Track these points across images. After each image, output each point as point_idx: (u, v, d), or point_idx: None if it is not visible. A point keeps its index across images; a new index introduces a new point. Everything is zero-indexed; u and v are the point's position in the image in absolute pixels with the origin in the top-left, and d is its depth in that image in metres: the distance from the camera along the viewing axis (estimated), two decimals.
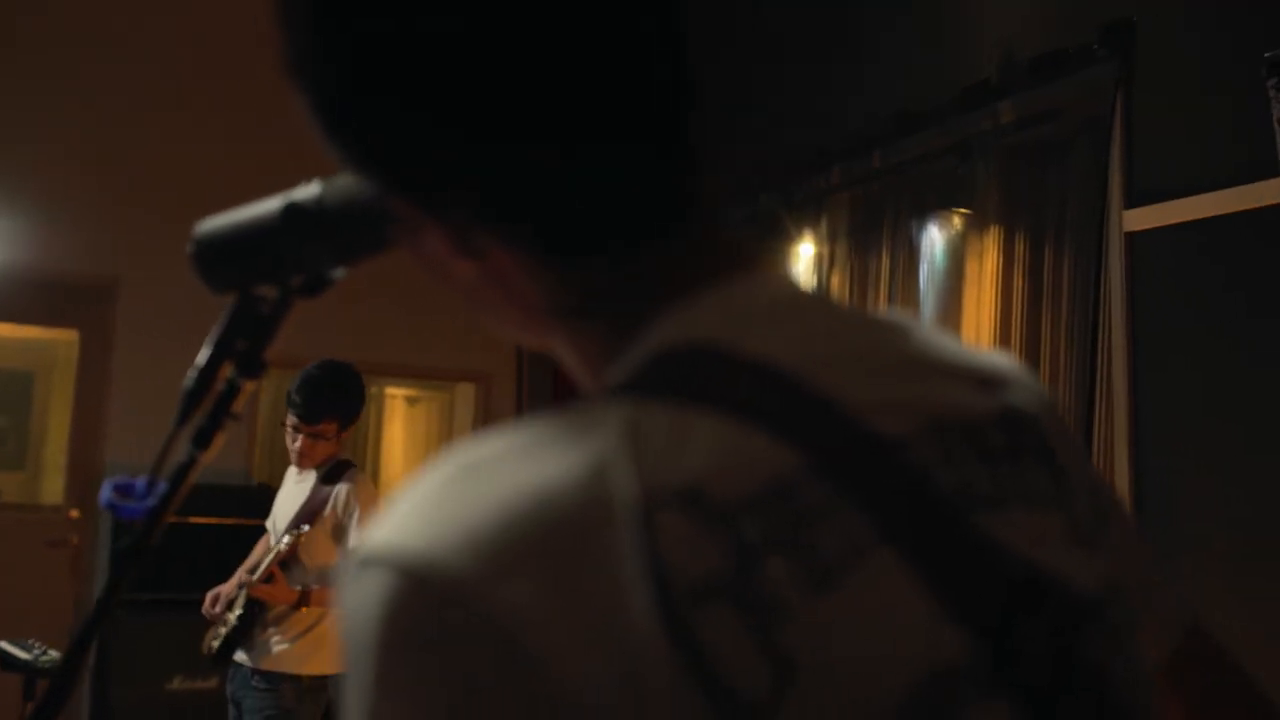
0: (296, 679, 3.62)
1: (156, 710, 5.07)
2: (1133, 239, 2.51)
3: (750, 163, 3.93)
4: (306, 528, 3.80)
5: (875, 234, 3.41)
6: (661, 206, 0.61)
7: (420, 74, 0.57)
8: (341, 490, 3.62)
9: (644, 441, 0.52)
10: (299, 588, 3.61)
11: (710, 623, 0.49)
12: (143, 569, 0.96)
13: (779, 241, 3.84)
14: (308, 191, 0.85)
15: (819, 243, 3.68)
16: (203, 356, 0.89)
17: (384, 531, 0.51)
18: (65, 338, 5.88)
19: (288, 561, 3.67)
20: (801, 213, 3.73)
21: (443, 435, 7.53)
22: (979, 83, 3.01)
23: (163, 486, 0.91)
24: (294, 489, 3.80)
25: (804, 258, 3.77)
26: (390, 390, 8.37)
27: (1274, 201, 2.20)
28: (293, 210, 0.84)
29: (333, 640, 3.75)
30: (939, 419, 0.58)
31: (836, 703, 0.50)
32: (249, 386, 0.89)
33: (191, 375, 0.89)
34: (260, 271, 0.88)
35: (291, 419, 3.65)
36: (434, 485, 0.53)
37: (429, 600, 0.48)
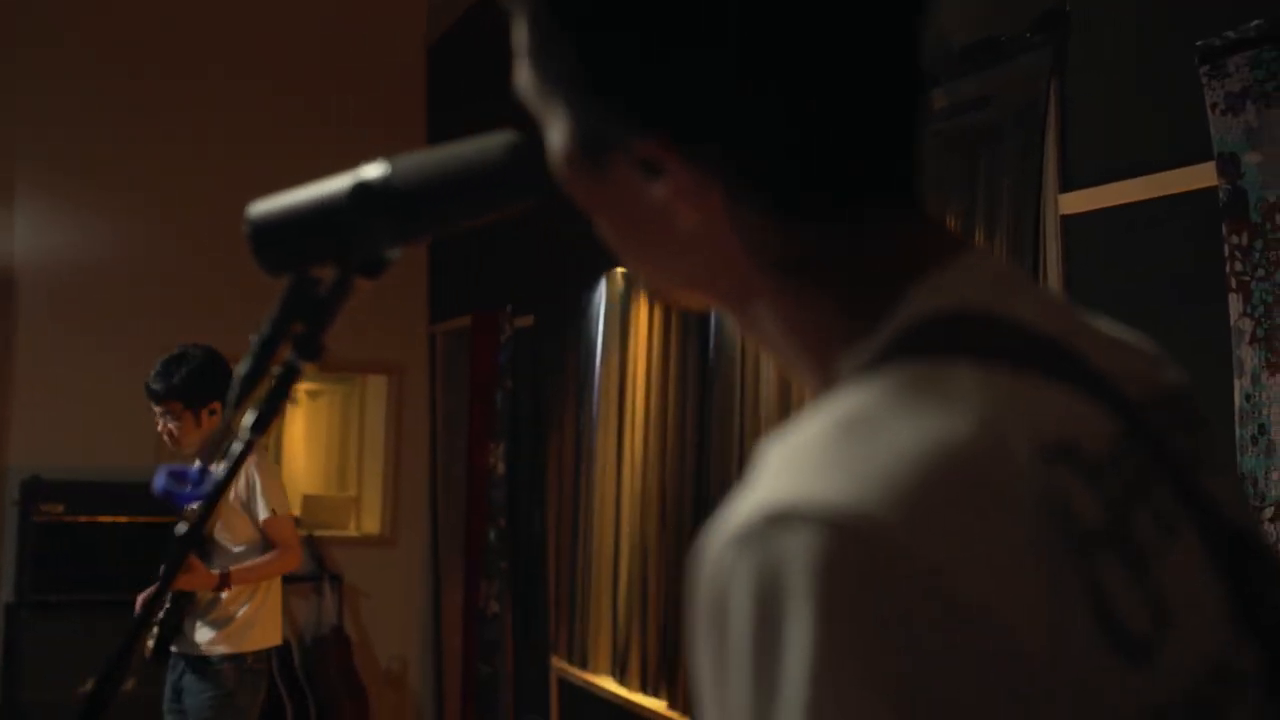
0: (237, 658, 3.62)
1: (69, 714, 4.92)
2: (1068, 222, 2.59)
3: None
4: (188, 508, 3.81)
5: None
6: (902, 172, 0.63)
7: (709, 13, 0.58)
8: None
9: (1012, 399, 0.54)
10: (218, 571, 3.63)
11: (1104, 569, 0.52)
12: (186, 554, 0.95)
13: None
14: (375, 171, 0.84)
15: None
16: (258, 340, 0.88)
17: (787, 487, 0.51)
18: None
19: (206, 546, 3.69)
20: None
21: (350, 430, 7.41)
22: None
23: (214, 475, 0.90)
24: None
25: None
26: None
27: (1208, 185, 2.28)
28: (362, 190, 0.84)
29: (264, 616, 3.74)
30: (1152, 389, 0.62)
31: (1196, 644, 0.53)
32: (309, 370, 0.88)
33: (246, 359, 0.88)
34: (320, 252, 0.87)
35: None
36: (817, 442, 0.53)
37: (868, 554, 0.48)
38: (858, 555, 0.48)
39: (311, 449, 8.14)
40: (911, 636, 0.48)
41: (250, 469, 3.73)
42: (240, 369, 0.88)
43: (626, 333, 4.51)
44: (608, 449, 4.61)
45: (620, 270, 4.59)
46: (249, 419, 0.88)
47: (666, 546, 4.07)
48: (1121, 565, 0.52)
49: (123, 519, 5.24)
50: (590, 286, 4.80)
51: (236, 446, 0.89)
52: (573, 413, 4.93)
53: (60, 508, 5.20)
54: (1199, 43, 2.28)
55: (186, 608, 3.69)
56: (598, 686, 4.53)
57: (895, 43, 0.62)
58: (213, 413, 3.77)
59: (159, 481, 0.88)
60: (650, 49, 0.59)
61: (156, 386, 3.74)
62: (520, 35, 0.65)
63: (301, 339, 0.88)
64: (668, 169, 0.61)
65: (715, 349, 3.86)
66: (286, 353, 0.88)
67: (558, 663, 4.93)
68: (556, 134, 0.66)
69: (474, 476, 5.83)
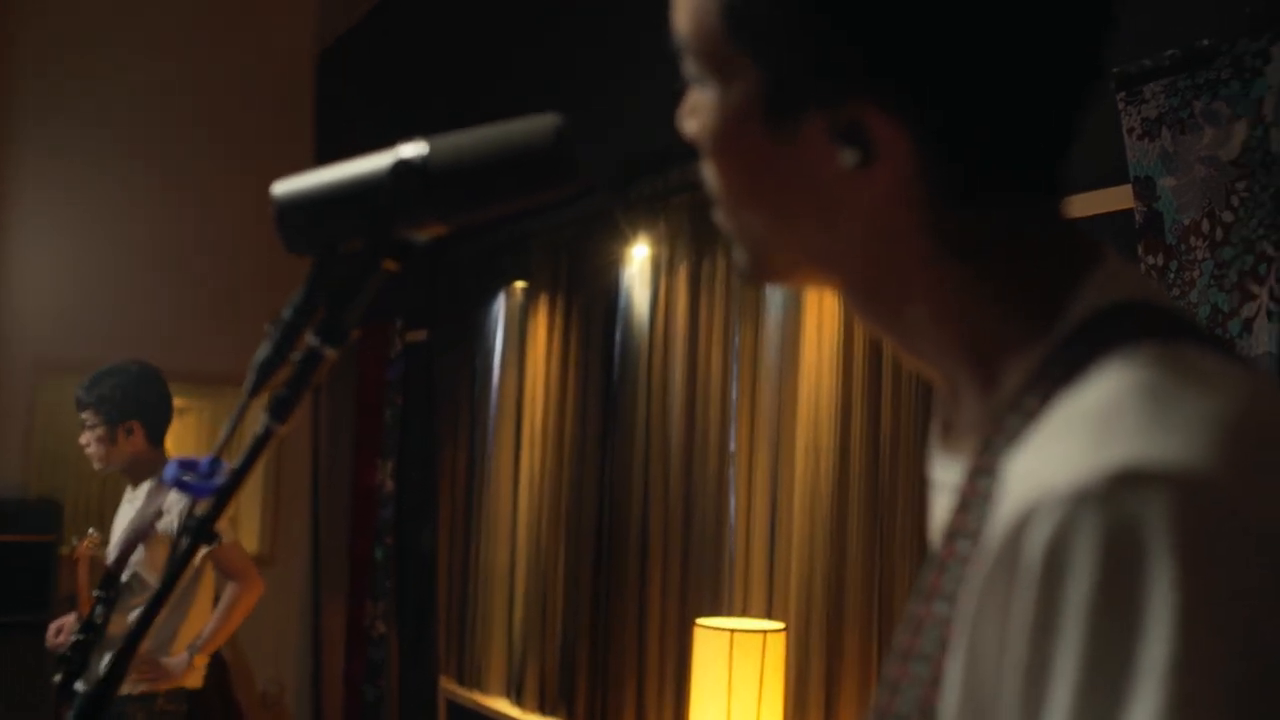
0: (146, 699, 3.42)
1: None
2: None
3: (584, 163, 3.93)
4: (92, 531, 3.64)
5: (714, 237, 3.45)
6: (1065, 164, 0.64)
7: None
8: (173, 496, 3.43)
9: (1247, 372, 0.58)
10: (186, 653, 3.46)
11: None
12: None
13: (613, 243, 3.85)
14: (416, 149, 0.81)
15: (656, 245, 3.71)
16: (279, 324, 0.83)
17: (1124, 449, 0.50)
18: None
19: (129, 579, 3.47)
20: (637, 214, 3.75)
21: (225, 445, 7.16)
22: None
23: (226, 465, 0.85)
24: (127, 507, 3.62)
25: (638, 260, 3.80)
26: None
27: (1124, 207, 2.36)
28: (403, 168, 0.80)
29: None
30: None
31: None
32: (331, 355, 0.84)
33: (265, 344, 0.83)
34: (350, 233, 0.83)
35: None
36: (1127, 406, 0.53)
37: (1225, 514, 0.49)
38: (1217, 516, 0.49)
39: None
40: (1267, 595, 0.49)
41: (185, 500, 3.50)
42: (259, 354, 0.83)
43: (525, 349, 4.47)
44: (503, 466, 4.56)
45: (520, 285, 4.55)
46: (269, 405, 0.84)
47: (568, 563, 4.03)
48: None
49: None
50: (487, 301, 4.75)
51: (255, 434, 0.85)
52: (467, 429, 4.86)
53: None
54: (1116, 69, 2.36)
55: (97, 640, 3.40)
56: (489, 708, 4.46)
57: (1093, 36, 0.63)
58: (130, 432, 3.52)
59: (169, 472, 0.83)
60: (889, 4, 0.57)
61: (79, 393, 3.52)
62: None
63: (325, 323, 0.84)
64: (873, 135, 0.59)
65: (620, 366, 3.84)
66: (309, 338, 0.84)
67: (447, 684, 4.84)
68: (731, 93, 0.64)
69: (359, 494, 5.71)
